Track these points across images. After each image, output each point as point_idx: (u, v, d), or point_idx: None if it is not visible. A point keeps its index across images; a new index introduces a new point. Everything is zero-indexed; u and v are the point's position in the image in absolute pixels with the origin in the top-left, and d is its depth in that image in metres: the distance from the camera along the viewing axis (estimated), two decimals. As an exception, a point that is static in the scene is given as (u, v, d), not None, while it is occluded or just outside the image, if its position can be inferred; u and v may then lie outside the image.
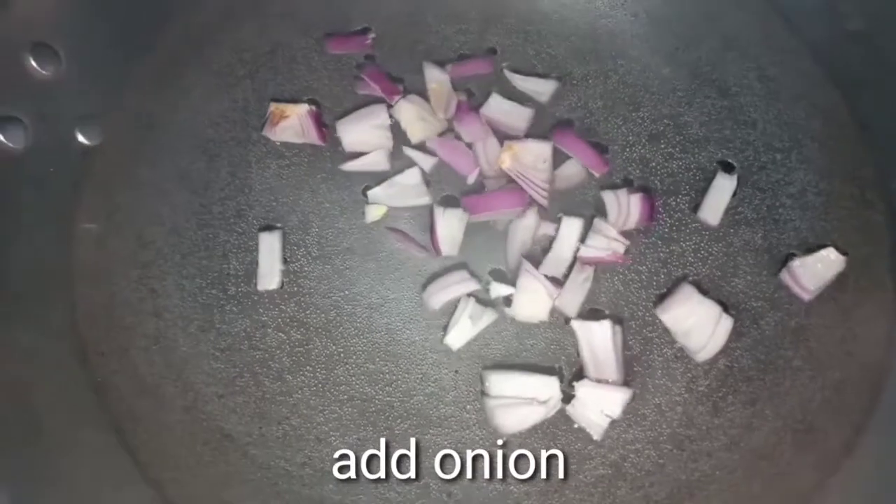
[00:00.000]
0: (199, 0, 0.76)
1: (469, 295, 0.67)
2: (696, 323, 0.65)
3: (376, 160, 0.72)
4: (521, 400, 0.64)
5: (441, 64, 0.74)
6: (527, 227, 0.69)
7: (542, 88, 0.74)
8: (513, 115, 0.73)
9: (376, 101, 0.73)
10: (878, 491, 0.62)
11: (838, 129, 0.72)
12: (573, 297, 0.67)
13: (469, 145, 0.72)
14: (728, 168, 0.70)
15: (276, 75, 0.75)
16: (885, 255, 0.69)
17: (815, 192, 0.71)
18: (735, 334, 0.67)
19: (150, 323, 0.69)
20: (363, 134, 0.72)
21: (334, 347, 0.68)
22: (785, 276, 0.68)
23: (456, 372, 0.67)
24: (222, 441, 0.66)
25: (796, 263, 0.67)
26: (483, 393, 0.66)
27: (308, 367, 0.68)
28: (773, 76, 0.74)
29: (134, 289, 0.70)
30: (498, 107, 0.73)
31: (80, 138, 0.72)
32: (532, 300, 0.67)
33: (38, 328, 0.66)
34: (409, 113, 0.72)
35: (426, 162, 0.72)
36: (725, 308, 0.66)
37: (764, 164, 0.72)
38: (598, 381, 0.64)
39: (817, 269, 0.66)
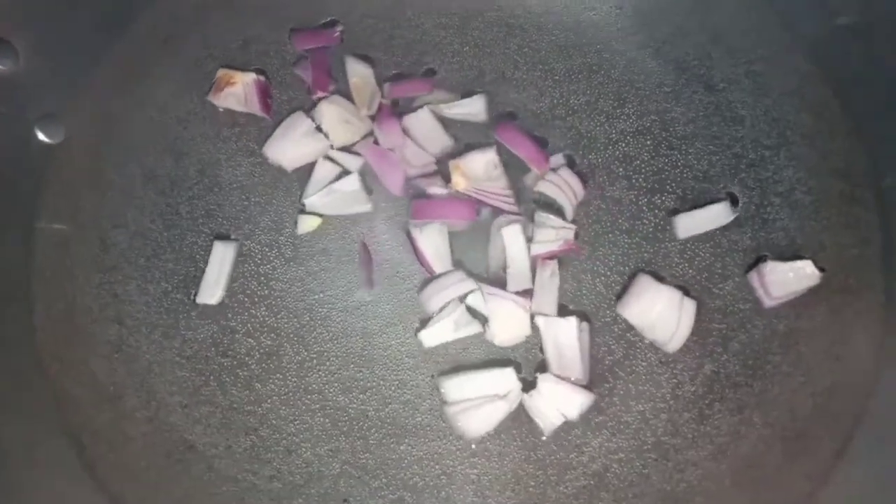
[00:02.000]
0: (165, -8, 0.73)
1: (461, 299, 0.64)
2: (660, 313, 0.63)
3: (328, 170, 0.69)
4: (480, 399, 0.61)
5: (366, 59, 0.72)
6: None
7: (473, 109, 0.70)
8: (431, 138, 0.69)
9: (292, 110, 0.70)
10: (869, 500, 0.60)
11: (828, 126, 0.70)
12: (546, 298, 0.65)
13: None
14: (734, 201, 0.67)
15: (248, 70, 0.72)
16: (876, 256, 0.66)
17: (805, 191, 0.68)
18: (722, 339, 0.65)
19: (111, 329, 0.66)
20: (294, 147, 0.69)
21: (307, 353, 0.65)
22: (753, 276, 0.65)
23: (433, 377, 0.64)
24: (186, 453, 0.64)
25: (767, 268, 0.64)
26: (443, 402, 0.63)
27: (279, 375, 0.65)
28: (762, 72, 0.72)
29: (95, 294, 0.67)
30: (422, 123, 0.69)
31: (41, 137, 0.69)
32: (509, 322, 0.64)
33: (-9, 335, 0.64)
34: (330, 115, 0.69)
35: (353, 163, 0.69)
36: (686, 291, 0.65)
37: (752, 162, 0.70)
38: (561, 378, 0.62)
39: (788, 277, 0.64)
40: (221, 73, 0.71)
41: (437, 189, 0.68)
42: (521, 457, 0.62)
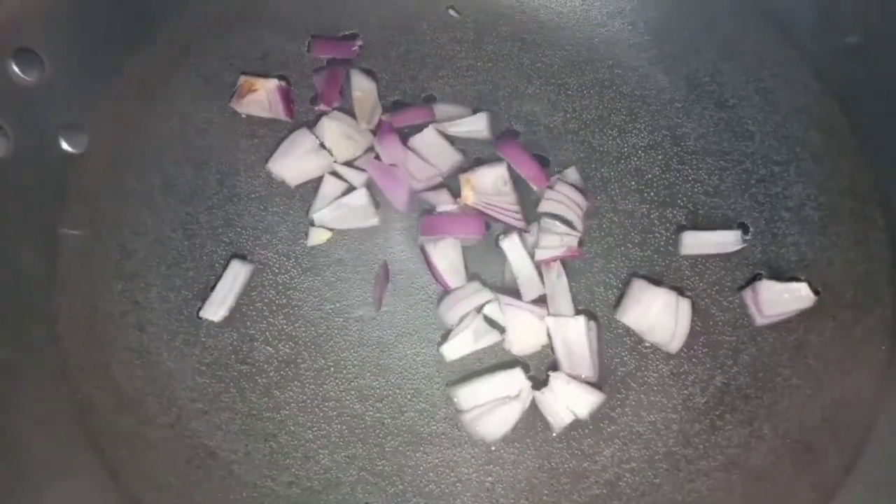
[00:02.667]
0: (187, 5, 0.75)
1: (479, 310, 0.65)
2: (657, 315, 0.64)
3: (334, 185, 0.70)
4: (494, 402, 0.62)
5: (371, 74, 0.73)
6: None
7: (477, 126, 0.71)
8: (439, 156, 0.70)
9: (282, 127, 0.72)
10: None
11: (837, 143, 0.71)
12: (560, 300, 0.66)
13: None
14: (745, 230, 0.68)
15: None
16: (884, 272, 0.68)
17: (814, 207, 0.70)
18: (732, 351, 0.66)
19: (132, 336, 0.67)
20: (298, 164, 0.70)
21: (324, 362, 0.66)
22: (747, 293, 0.66)
23: (447, 386, 0.65)
24: (206, 459, 0.64)
25: (762, 286, 0.65)
26: (458, 411, 0.64)
27: (297, 383, 0.66)
28: (772, 88, 0.73)
29: (117, 301, 0.68)
30: (428, 142, 0.70)
31: (64, 146, 0.70)
32: (526, 332, 0.65)
33: (16, 342, 0.64)
34: (332, 131, 0.70)
35: (358, 179, 0.70)
36: (680, 292, 0.66)
37: (762, 178, 0.71)
38: (572, 376, 0.63)
39: (783, 298, 0.65)
40: (243, 80, 0.72)
41: (445, 205, 0.68)
42: (535, 465, 0.63)
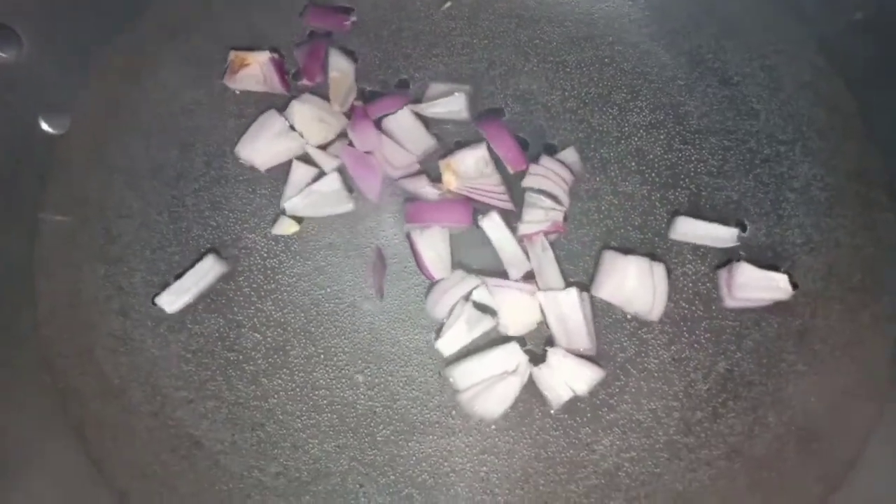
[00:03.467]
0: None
1: (466, 298, 0.63)
2: (634, 285, 0.62)
3: (305, 172, 0.67)
4: (491, 379, 0.61)
5: (351, 55, 0.71)
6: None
7: (454, 107, 0.69)
8: (413, 139, 0.67)
9: (269, 107, 0.69)
10: (885, 504, 0.59)
11: (843, 121, 0.69)
12: (549, 273, 0.64)
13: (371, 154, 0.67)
14: (743, 227, 0.66)
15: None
16: (892, 256, 0.65)
17: (820, 187, 0.67)
18: (736, 336, 0.64)
19: (116, 322, 0.65)
20: (268, 147, 0.68)
21: (314, 349, 0.64)
22: (723, 272, 0.64)
23: (441, 374, 0.64)
24: (192, 449, 0.63)
25: (740, 268, 0.63)
26: (452, 398, 0.63)
27: (285, 370, 0.64)
28: (777, 65, 0.71)
29: (100, 286, 0.66)
30: (402, 124, 0.67)
31: (45, 127, 0.68)
32: (518, 311, 0.63)
33: (-5, 328, 0.63)
34: (303, 114, 0.67)
35: (329, 164, 0.67)
36: (652, 257, 0.64)
37: (767, 157, 0.68)
38: (570, 351, 0.62)
39: (759, 284, 0.63)
40: (234, 55, 0.70)
41: (429, 191, 0.66)
42: (531, 454, 0.62)
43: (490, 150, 0.67)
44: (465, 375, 0.62)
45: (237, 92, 0.70)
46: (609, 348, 0.64)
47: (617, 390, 0.63)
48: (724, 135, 0.69)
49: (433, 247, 0.64)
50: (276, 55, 0.70)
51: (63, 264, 0.67)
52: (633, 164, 0.68)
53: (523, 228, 0.64)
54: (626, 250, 0.65)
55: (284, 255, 0.67)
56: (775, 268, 0.64)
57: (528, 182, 0.66)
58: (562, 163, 0.67)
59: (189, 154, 0.69)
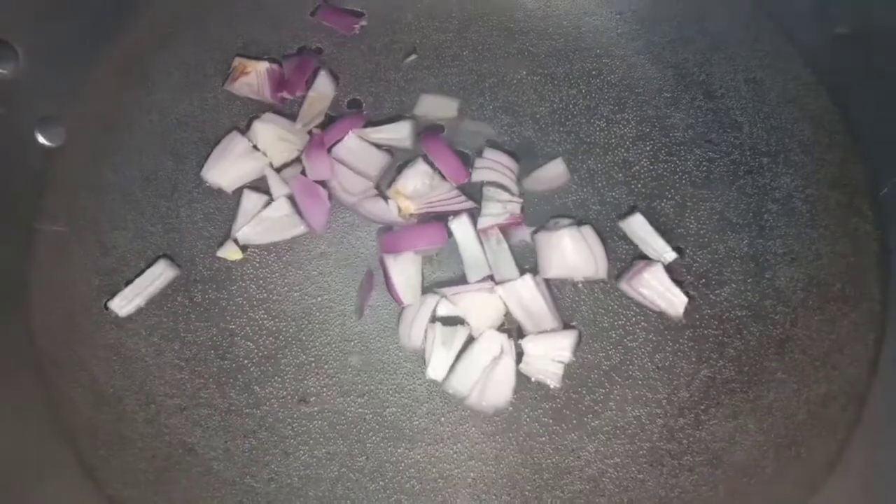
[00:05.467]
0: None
1: (433, 320, 0.64)
2: (573, 253, 0.64)
3: (255, 200, 0.67)
4: (485, 370, 0.62)
5: (335, 75, 0.72)
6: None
7: (399, 134, 0.70)
8: (366, 160, 0.68)
9: (231, 129, 0.70)
10: (862, 509, 0.60)
11: (826, 134, 0.70)
12: (504, 265, 0.65)
13: (324, 185, 0.67)
14: (681, 254, 0.67)
15: (247, 73, 0.72)
16: (871, 265, 0.67)
17: (802, 199, 0.69)
18: (718, 345, 0.65)
19: (110, 332, 0.66)
20: (232, 168, 0.68)
21: (305, 357, 0.66)
22: (641, 262, 0.65)
23: (430, 382, 0.65)
24: (185, 456, 0.64)
25: (656, 270, 0.64)
26: (461, 401, 0.64)
27: (277, 378, 0.65)
28: (761, 79, 0.72)
29: (95, 296, 0.67)
30: (352, 149, 0.68)
31: (41, 139, 0.69)
32: (483, 310, 0.64)
33: (-9, 339, 0.64)
34: (266, 135, 0.68)
35: (276, 189, 0.67)
36: (578, 223, 0.66)
37: (750, 169, 0.70)
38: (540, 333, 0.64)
39: (658, 290, 0.64)
40: (237, 62, 0.72)
41: (396, 218, 0.67)
42: (518, 461, 0.63)
43: (427, 161, 0.68)
44: (463, 381, 0.63)
45: (234, 101, 0.71)
46: (594, 357, 0.65)
47: (602, 397, 0.64)
48: (708, 147, 0.71)
49: (404, 272, 0.65)
50: (275, 66, 0.71)
51: (58, 274, 0.68)
52: (620, 175, 0.70)
53: (482, 222, 0.66)
54: (550, 227, 0.66)
55: (276, 264, 0.68)
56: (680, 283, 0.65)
57: (476, 176, 0.68)
58: (505, 152, 0.69)
59: (183, 166, 0.71)
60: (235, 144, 0.69)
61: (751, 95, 0.72)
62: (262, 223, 0.67)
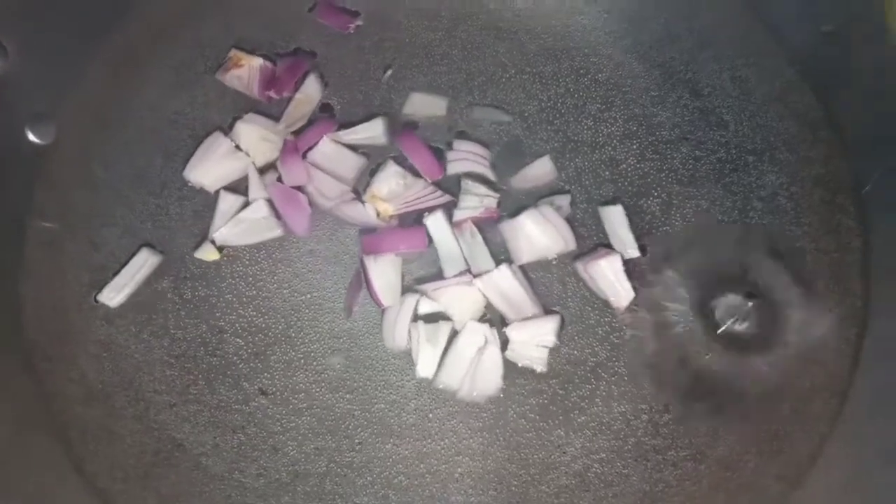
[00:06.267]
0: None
1: (415, 319, 0.65)
2: (538, 234, 0.65)
3: (232, 202, 0.68)
4: (472, 361, 0.63)
5: (324, 79, 0.72)
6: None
7: (373, 132, 0.70)
8: (342, 163, 0.68)
9: (215, 129, 0.71)
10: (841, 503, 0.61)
11: (811, 132, 0.71)
12: (480, 258, 0.65)
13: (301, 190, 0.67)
14: (643, 251, 0.67)
15: (238, 71, 0.73)
16: (855, 262, 0.67)
17: (787, 196, 0.69)
18: (704, 341, 0.65)
19: (100, 328, 0.67)
20: (215, 168, 0.69)
21: (294, 354, 0.66)
22: (603, 249, 0.66)
23: (418, 379, 0.65)
24: (174, 451, 0.64)
25: (614, 261, 0.64)
26: (454, 396, 0.64)
27: (266, 375, 0.66)
28: (747, 77, 0.73)
29: (85, 292, 0.67)
30: (327, 154, 0.68)
31: (32, 137, 0.69)
32: (463, 304, 0.65)
33: (-20, 334, 0.64)
34: (249, 135, 0.69)
35: (254, 191, 0.68)
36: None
37: (736, 167, 0.70)
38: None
39: (609, 280, 0.65)
40: (233, 53, 0.72)
41: (376, 221, 0.67)
42: (505, 456, 0.63)
43: (399, 161, 0.68)
44: (452, 375, 0.64)
45: (225, 99, 0.72)
46: (581, 353, 0.65)
47: (588, 394, 0.65)
48: (694, 145, 0.71)
49: (384, 274, 0.65)
50: (269, 64, 0.72)
51: (48, 271, 0.68)
52: (607, 173, 0.70)
53: (458, 215, 0.66)
54: (512, 214, 0.67)
55: (266, 262, 0.68)
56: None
57: (450, 169, 0.69)
58: (475, 141, 0.70)
59: (173, 163, 0.71)
60: (218, 145, 0.69)
61: (737, 94, 0.72)
62: (240, 225, 0.67)
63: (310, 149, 0.69)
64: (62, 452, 0.64)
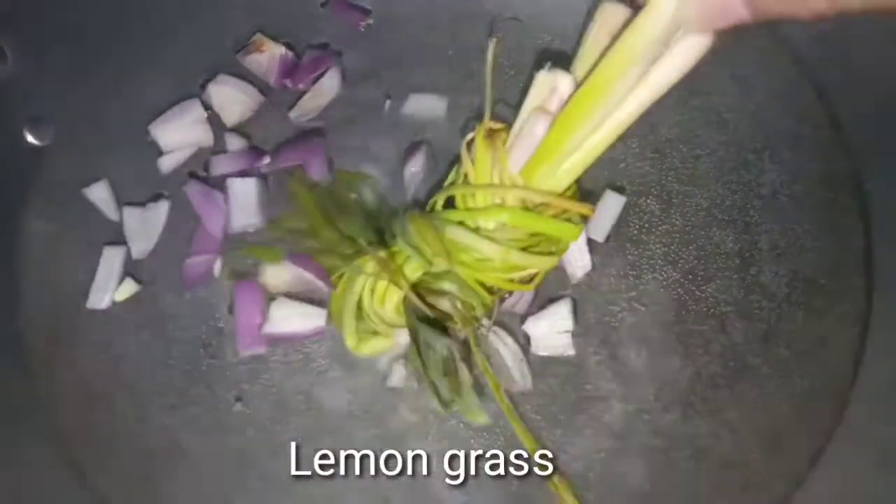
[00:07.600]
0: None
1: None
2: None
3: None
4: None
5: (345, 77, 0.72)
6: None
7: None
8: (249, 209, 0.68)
9: (192, 96, 0.71)
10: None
11: (811, 130, 0.71)
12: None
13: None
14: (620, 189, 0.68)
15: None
16: (856, 260, 0.67)
17: (787, 195, 0.69)
18: (704, 341, 0.65)
19: (99, 330, 0.67)
20: (178, 132, 0.70)
21: (294, 354, 0.66)
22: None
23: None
24: (175, 454, 0.64)
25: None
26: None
27: (266, 376, 0.66)
28: (746, 75, 0.73)
29: (83, 295, 0.67)
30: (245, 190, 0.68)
31: (30, 139, 0.69)
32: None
33: (-23, 338, 0.64)
34: (221, 96, 0.70)
35: (237, 143, 0.69)
36: None
37: (736, 165, 0.70)
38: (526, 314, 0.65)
39: (568, 254, 0.64)
40: (257, 37, 0.72)
41: None
42: (505, 456, 0.63)
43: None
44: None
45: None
46: (581, 353, 0.65)
47: (588, 394, 0.64)
48: (694, 144, 0.71)
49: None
50: (291, 53, 0.72)
51: (46, 273, 0.68)
52: (606, 172, 0.70)
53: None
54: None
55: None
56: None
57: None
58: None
59: (171, 165, 0.71)
60: (192, 110, 0.70)
61: (736, 92, 0.72)
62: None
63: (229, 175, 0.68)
64: (61, 457, 0.64)
